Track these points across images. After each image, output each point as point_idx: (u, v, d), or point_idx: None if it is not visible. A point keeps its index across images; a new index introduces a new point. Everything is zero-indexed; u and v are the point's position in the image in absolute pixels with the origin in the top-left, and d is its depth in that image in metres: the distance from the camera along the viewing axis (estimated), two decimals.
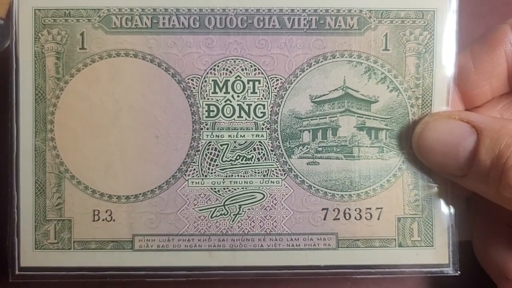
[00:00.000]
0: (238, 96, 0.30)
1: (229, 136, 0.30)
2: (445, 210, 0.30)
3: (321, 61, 0.30)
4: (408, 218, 0.30)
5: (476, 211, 0.32)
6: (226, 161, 0.30)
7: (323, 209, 0.30)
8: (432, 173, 0.30)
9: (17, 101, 0.29)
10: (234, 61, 0.30)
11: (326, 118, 0.30)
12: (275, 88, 0.30)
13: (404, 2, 0.30)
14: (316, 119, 0.30)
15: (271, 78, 0.30)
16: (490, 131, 0.26)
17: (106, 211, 0.30)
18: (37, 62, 0.29)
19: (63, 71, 0.30)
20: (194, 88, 0.30)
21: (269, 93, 0.30)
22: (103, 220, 0.30)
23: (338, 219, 0.30)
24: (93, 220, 0.30)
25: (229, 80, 0.30)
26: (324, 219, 0.30)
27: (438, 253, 0.30)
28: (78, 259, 0.30)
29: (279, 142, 0.30)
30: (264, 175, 0.30)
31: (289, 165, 0.30)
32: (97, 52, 0.30)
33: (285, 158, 0.30)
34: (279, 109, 0.30)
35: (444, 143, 0.28)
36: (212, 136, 0.30)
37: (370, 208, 0.30)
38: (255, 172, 0.30)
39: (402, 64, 0.30)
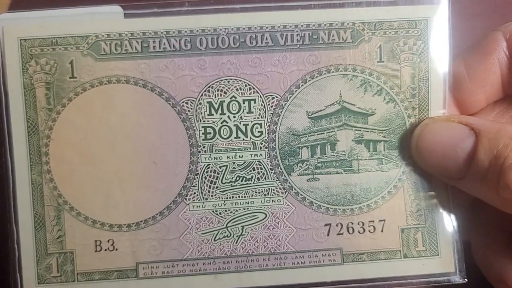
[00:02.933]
0: (234, 117, 0.30)
1: (228, 157, 0.30)
2: (448, 218, 0.30)
3: (316, 77, 0.30)
4: (412, 228, 0.30)
5: (476, 217, 0.32)
6: (226, 182, 0.30)
7: (326, 224, 0.30)
8: (433, 182, 0.30)
9: (9, 135, 0.29)
10: (228, 81, 0.29)
11: (324, 133, 0.30)
12: (271, 106, 0.30)
13: (396, 13, 0.29)
14: (314, 135, 0.30)
15: (266, 96, 0.30)
16: (488, 133, 0.26)
17: (108, 241, 0.30)
18: (27, 94, 0.29)
19: (54, 101, 0.29)
20: (189, 111, 0.29)
21: (265, 111, 0.30)
22: (105, 250, 0.30)
23: (342, 234, 0.30)
24: (96, 251, 0.30)
25: (224, 101, 0.30)
26: (328, 234, 0.30)
27: (444, 262, 0.30)
28: None
29: (278, 161, 0.30)
30: (265, 195, 0.30)
31: (289, 182, 0.30)
32: (88, 80, 0.29)
33: (285, 176, 0.30)
34: (276, 127, 0.30)
35: (443, 145, 0.28)
36: (210, 158, 0.30)
37: (373, 221, 0.30)
38: (256, 192, 0.30)
39: (398, 75, 0.30)
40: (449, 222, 0.30)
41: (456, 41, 0.30)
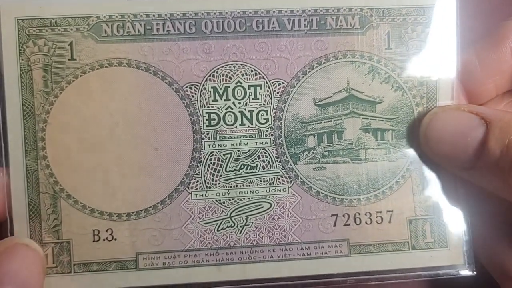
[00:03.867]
0: (239, 103, 0.29)
1: (232, 144, 0.29)
2: (456, 209, 0.29)
3: (324, 63, 0.29)
4: (420, 219, 0.30)
5: (478, 210, 0.31)
6: (230, 171, 0.29)
7: (332, 215, 0.29)
8: (442, 172, 0.29)
9: (4, 119, 0.27)
10: (234, 66, 0.29)
11: (331, 121, 0.29)
12: (277, 93, 0.29)
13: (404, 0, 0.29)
14: (321, 122, 0.29)
15: (272, 82, 0.29)
16: (499, 122, 0.26)
17: (107, 230, 0.28)
18: (23, 76, 0.28)
19: (52, 84, 0.28)
20: (193, 96, 0.28)
21: (271, 98, 0.29)
22: (104, 240, 0.28)
23: (349, 224, 0.29)
24: (93, 241, 0.28)
25: (229, 87, 0.29)
26: (334, 225, 0.29)
27: (452, 254, 0.29)
28: (79, 283, 0.28)
29: (283, 149, 0.29)
30: (270, 184, 0.29)
31: (295, 171, 0.29)
32: (88, 62, 0.28)
33: (290, 164, 0.29)
34: (282, 114, 0.29)
35: (453, 133, 0.27)
36: (214, 145, 0.29)
37: (380, 212, 0.29)
38: (261, 181, 0.29)
39: (406, 62, 0.29)
40: (458, 213, 0.30)
41: (464, 28, 0.29)
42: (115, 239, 0.28)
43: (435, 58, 0.29)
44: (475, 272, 0.29)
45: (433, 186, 0.30)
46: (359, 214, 0.29)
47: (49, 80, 0.28)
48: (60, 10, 0.28)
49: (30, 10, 0.27)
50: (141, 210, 0.28)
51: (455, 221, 0.29)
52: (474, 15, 0.34)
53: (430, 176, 0.30)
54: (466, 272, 0.29)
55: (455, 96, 0.29)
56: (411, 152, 0.29)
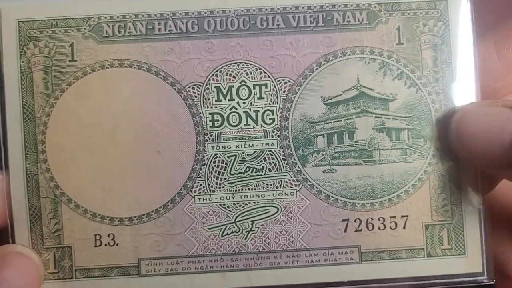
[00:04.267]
0: (244, 103, 0.28)
1: (237, 146, 0.28)
2: (476, 214, 0.28)
3: (332, 60, 0.28)
4: (437, 225, 0.28)
5: (500, 216, 0.30)
6: (234, 174, 0.28)
7: (343, 220, 0.28)
8: (461, 175, 0.28)
9: (3, 122, 0.27)
10: (238, 65, 0.28)
11: (341, 120, 0.28)
12: (284, 92, 0.28)
13: None
14: (330, 122, 0.28)
15: (278, 81, 0.28)
16: None
17: (109, 235, 0.27)
18: (24, 78, 0.27)
19: (52, 86, 0.27)
20: (195, 96, 0.28)
21: (277, 97, 0.28)
22: (105, 245, 0.27)
23: (360, 230, 0.28)
24: (95, 246, 0.27)
25: (233, 86, 0.28)
26: (345, 231, 0.28)
27: (471, 261, 0.27)
28: None
29: (291, 150, 0.28)
30: (277, 187, 0.28)
31: (303, 174, 0.28)
32: (89, 63, 0.27)
33: (298, 167, 0.28)
34: (289, 114, 0.28)
35: (487, 128, 0.25)
36: (218, 147, 0.28)
37: (394, 217, 0.28)
38: (267, 184, 0.28)
39: (419, 57, 0.28)
40: (478, 218, 0.28)
41: (478, 22, 0.27)
42: (117, 244, 0.27)
43: (451, 53, 0.28)
44: (494, 281, 0.27)
45: (452, 190, 0.28)
46: (372, 219, 0.28)
47: (49, 82, 0.27)
48: (61, 11, 0.27)
49: (31, 11, 0.27)
50: (143, 215, 0.27)
51: (474, 227, 0.27)
52: (490, 7, 0.32)
53: (450, 178, 0.28)
54: (485, 281, 0.27)
55: (474, 92, 0.27)
56: (429, 153, 0.28)
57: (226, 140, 0.28)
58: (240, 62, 0.28)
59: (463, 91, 0.28)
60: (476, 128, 0.25)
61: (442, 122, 0.28)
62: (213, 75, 0.28)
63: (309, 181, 0.28)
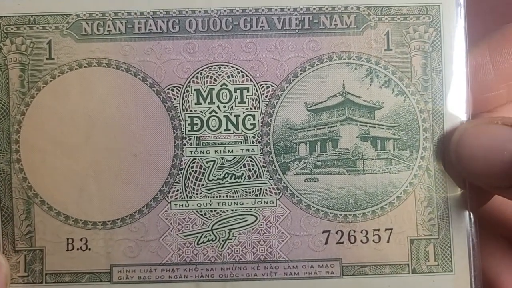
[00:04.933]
0: (224, 107, 0.27)
1: (216, 151, 0.27)
2: (464, 229, 0.26)
3: (317, 65, 0.27)
4: (423, 239, 0.26)
5: (490, 231, 0.28)
6: (213, 180, 0.27)
7: (324, 231, 0.27)
8: (449, 188, 0.26)
9: None
10: (219, 68, 0.27)
11: (324, 128, 0.27)
12: (266, 96, 0.27)
13: None
14: (314, 129, 0.27)
15: (261, 85, 0.27)
16: None
17: (81, 239, 0.27)
18: None
19: (28, 84, 0.27)
20: (175, 99, 0.27)
21: (259, 102, 0.27)
22: (78, 249, 0.27)
23: (342, 242, 0.27)
24: (67, 250, 0.27)
25: (214, 89, 0.27)
26: (326, 243, 0.27)
27: (458, 279, 0.26)
28: None
29: (272, 157, 0.27)
30: (256, 195, 0.27)
31: (284, 182, 0.27)
32: (66, 62, 0.27)
33: (279, 174, 0.27)
34: (271, 120, 0.27)
35: (487, 149, 0.24)
36: (196, 152, 0.27)
37: (378, 230, 0.27)
38: (246, 192, 0.27)
39: (408, 65, 0.27)
40: (466, 233, 0.26)
41: (472, 28, 0.26)
42: (89, 249, 0.27)
43: (441, 60, 0.26)
44: None
45: (439, 203, 0.26)
46: (354, 231, 0.27)
47: (25, 80, 0.27)
48: (39, 7, 0.27)
49: (8, 7, 0.27)
50: (117, 219, 0.27)
51: (462, 243, 0.26)
52: (484, 12, 0.31)
53: (436, 191, 0.27)
54: None
55: (465, 101, 0.26)
56: (415, 164, 0.27)
57: (205, 144, 0.27)
58: (222, 65, 0.27)
59: (453, 100, 0.26)
60: (476, 150, 0.24)
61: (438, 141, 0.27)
62: (193, 77, 0.27)
63: (290, 189, 0.27)
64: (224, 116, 0.27)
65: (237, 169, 0.27)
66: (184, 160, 0.27)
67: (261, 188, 0.27)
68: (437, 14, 0.26)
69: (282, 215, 0.27)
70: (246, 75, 0.27)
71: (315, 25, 0.27)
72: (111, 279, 0.27)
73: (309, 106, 0.27)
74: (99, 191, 0.27)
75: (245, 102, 0.27)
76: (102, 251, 0.27)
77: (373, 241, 0.27)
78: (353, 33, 0.27)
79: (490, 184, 0.25)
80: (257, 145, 0.27)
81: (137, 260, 0.27)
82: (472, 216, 0.26)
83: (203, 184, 0.27)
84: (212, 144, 0.27)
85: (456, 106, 0.26)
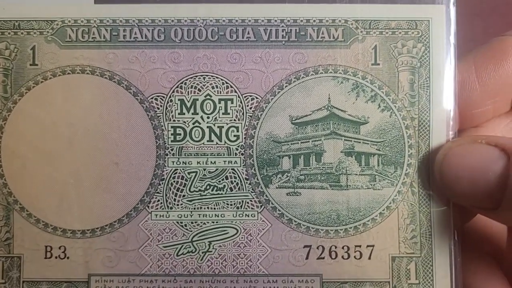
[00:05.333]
0: (208, 117, 0.26)
1: (198, 162, 0.26)
2: (447, 247, 0.26)
3: (302, 77, 0.26)
4: (404, 257, 0.26)
5: (474, 250, 0.28)
6: (194, 191, 0.26)
7: (305, 246, 0.26)
8: (433, 206, 0.26)
9: None
10: (204, 78, 0.26)
11: (308, 142, 0.27)
12: (250, 108, 0.26)
13: (394, 11, 0.26)
14: (298, 143, 0.27)
15: (245, 96, 0.26)
16: None
17: (60, 248, 0.26)
18: None
19: (11, 89, 0.26)
20: (158, 108, 0.26)
21: (243, 113, 0.26)
22: (56, 257, 0.26)
23: (323, 258, 0.26)
24: (45, 258, 0.26)
25: (197, 99, 0.26)
26: (307, 258, 0.26)
27: None
28: None
29: (254, 170, 0.26)
30: (237, 207, 0.26)
31: (266, 195, 0.26)
32: (50, 68, 0.26)
33: (261, 187, 0.26)
34: (254, 132, 0.26)
35: (471, 169, 0.24)
36: (178, 162, 0.26)
37: (360, 246, 0.26)
38: (228, 204, 0.26)
39: (395, 80, 0.26)
40: (448, 252, 0.26)
41: (459, 38, 0.26)
42: (68, 258, 0.26)
43: (428, 76, 0.26)
44: None
45: (422, 221, 0.26)
46: (336, 247, 0.26)
47: (8, 85, 0.26)
48: (24, 13, 0.26)
49: None
50: (97, 228, 0.26)
51: (445, 262, 0.26)
52: (481, 13, 0.31)
53: (420, 208, 0.26)
54: None
55: (451, 118, 0.26)
56: (399, 181, 0.26)
57: (188, 155, 0.26)
58: (207, 75, 0.26)
59: (440, 117, 0.26)
60: (461, 169, 0.24)
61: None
62: (177, 86, 0.26)
63: (272, 203, 0.26)
64: (207, 127, 0.26)
65: (219, 181, 0.26)
66: (166, 170, 0.26)
67: (243, 201, 0.26)
68: (426, 29, 0.26)
69: (263, 229, 0.26)
70: (231, 86, 0.26)
71: (302, 37, 0.26)
72: None
73: (293, 119, 0.27)
74: (79, 199, 0.26)
75: (229, 114, 0.26)
76: (81, 260, 0.26)
77: (355, 257, 0.26)
78: (340, 46, 0.26)
79: (474, 204, 0.25)
80: (240, 157, 0.26)
81: (115, 270, 0.26)
82: (455, 234, 0.26)
83: (184, 195, 0.26)
84: (194, 155, 0.26)
85: (443, 123, 0.26)
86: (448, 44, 0.26)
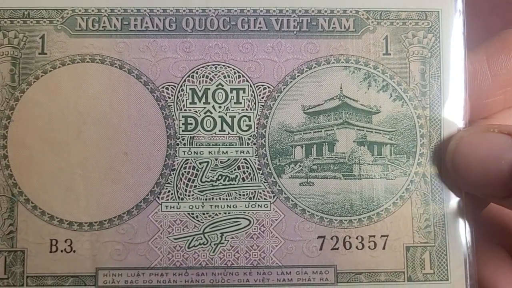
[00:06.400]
0: (219, 107, 0.26)
1: (210, 152, 0.26)
2: (461, 237, 0.26)
3: (314, 67, 0.26)
4: (419, 247, 0.26)
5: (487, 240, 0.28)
6: (205, 181, 0.26)
7: (319, 237, 0.26)
8: (445, 194, 0.26)
9: None
10: (215, 67, 0.26)
11: (321, 131, 0.26)
12: (262, 98, 0.26)
13: (405, 2, 0.27)
14: (310, 132, 0.26)
15: (257, 86, 0.26)
16: None
17: (66, 241, 0.26)
18: None
19: (19, 78, 0.26)
20: (169, 98, 0.26)
21: (255, 103, 0.26)
22: (62, 251, 0.26)
23: (337, 248, 0.26)
24: (50, 251, 0.26)
25: (209, 89, 0.26)
26: (321, 249, 0.26)
27: None
28: None
29: (267, 160, 0.26)
30: (250, 198, 0.26)
31: (279, 186, 0.26)
32: (59, 57, 0.26)
33: (274, 178, 0.26)
34: (267, 122, 0.26)
35: (484, 158, 0.24)
36: (189, 152, 0.26)
37: (374, 236, 0.26)
38: (240, 195, 0.26)
39: (406, 69, 0.26)
40: (462, 241, 0.26)
41: (469, 30, 0.26)
42: (74, 251, 0.26)
43: (439, 66, 0.26)
44: None
45: (435, 210, 0.26)
46: (350, 237, 0.26)
47: (16, 75, 0.26)
48: (34, 1, 0.26)
49: (2, 0, 0.26)
50: (105, 220, 0.26)
51: (459, 251, 0.26)
52: (481, 13, 0.31)
53: (433, 197, 0.26)
54: None
55: (462, 108, 0.26)
56: (412, 170, 0.26)
57: (199, 145, 0.26)
58: (218, 64, 0.26)
59: (451, 107, 0.26)
60: (473, 159, 0.24)
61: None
62: (188, 76, 0.26)
63: (285, 193, 0.26)
64: (219, 116, 0.26)
65: (231, 171, 0.26)
66: (177, 160, 0.26)
67: (255, 191, 0.26)
68: (436, 20, 0.26)
69: (276, 219, 0.26)
70: (243, 76, 0.26)
71: (313, 27, 0.26)
72: (96, 283, 0.25)
73: (306, 108, 0.26)
74: (87, 191, 0.26)
75: (241, 103, 0.26)
76: (88, 253, 0.26)
77: (369, 247, 0.26)
78: (351, 36, 0.26)
79: (487, 193, 0.25)
80: (252, 147, 0.26)
81: (124, 263, 0.25)
82: (468, 224, 0.26)
83: (195, 186, 0.26)
84: (206, 145, 0.26)
85: (454, 113, 0.26)
86: (458, 34, 0.26)
